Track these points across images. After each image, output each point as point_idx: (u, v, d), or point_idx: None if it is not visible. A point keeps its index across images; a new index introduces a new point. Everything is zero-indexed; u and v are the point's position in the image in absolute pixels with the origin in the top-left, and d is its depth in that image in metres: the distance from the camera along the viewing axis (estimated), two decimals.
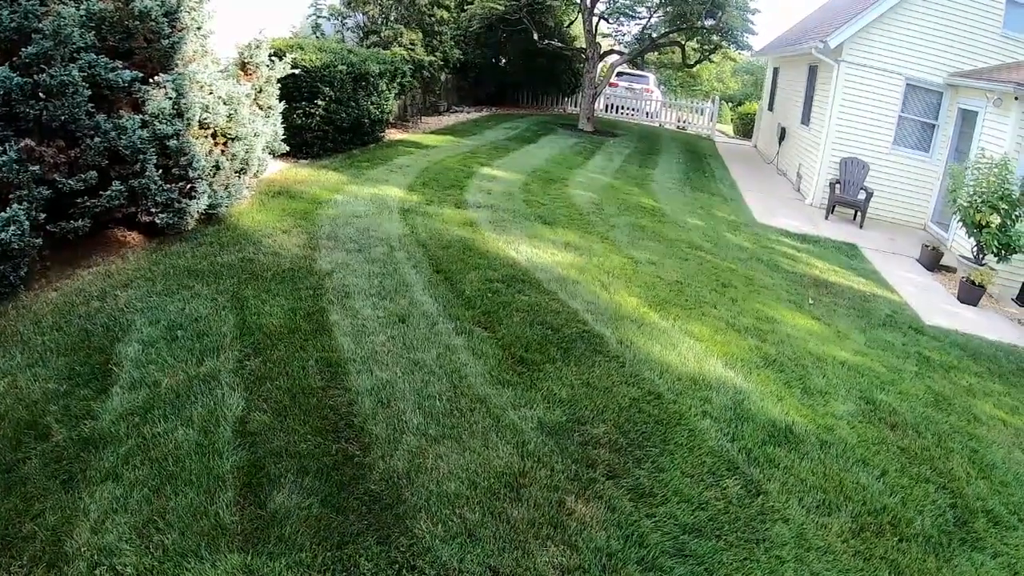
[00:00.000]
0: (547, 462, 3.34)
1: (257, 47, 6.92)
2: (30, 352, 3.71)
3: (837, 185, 10.48)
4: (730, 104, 31.32)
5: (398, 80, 11.28)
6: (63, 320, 4.07)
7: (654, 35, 17.30)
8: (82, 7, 4.64)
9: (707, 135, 20.29)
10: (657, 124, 21.48)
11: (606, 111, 21.20)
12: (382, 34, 12.47)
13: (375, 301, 4.82)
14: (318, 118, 9.02)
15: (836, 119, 10.81)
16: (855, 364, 5.14)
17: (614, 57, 19.20)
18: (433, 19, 13.44)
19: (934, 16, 10.14)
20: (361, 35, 12.76)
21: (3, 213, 4.04)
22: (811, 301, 6.45)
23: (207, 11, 5.75)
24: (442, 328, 4.56)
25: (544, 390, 3.97)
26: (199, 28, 5.66)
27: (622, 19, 18.04)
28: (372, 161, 9.48)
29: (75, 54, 4.55)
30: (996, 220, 7.31)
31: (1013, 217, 7.35)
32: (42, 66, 4.35)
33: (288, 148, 7.68)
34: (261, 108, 6.97)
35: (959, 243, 8.91)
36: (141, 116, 4.98)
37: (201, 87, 5.62)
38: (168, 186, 5.25)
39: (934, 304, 7.19)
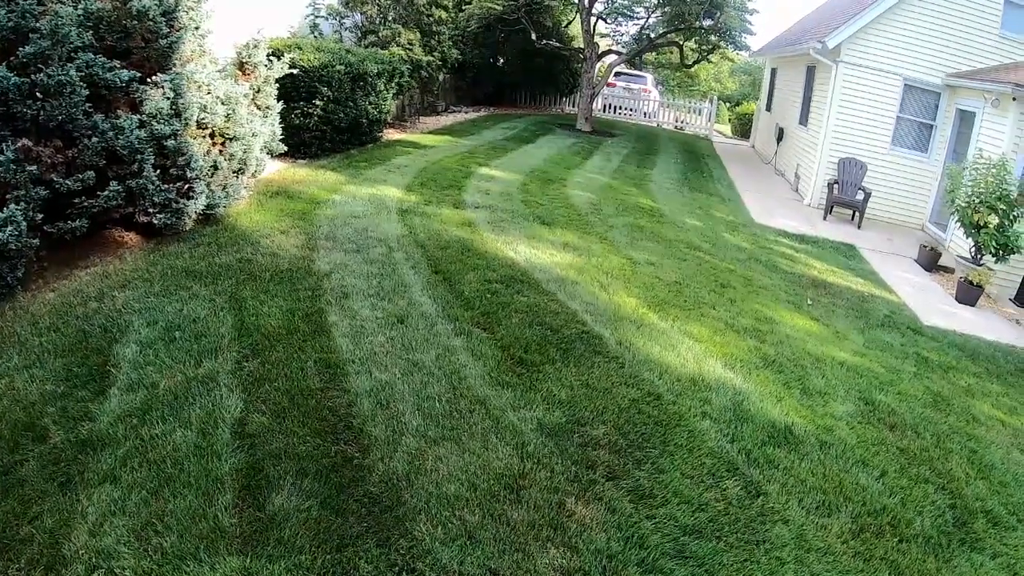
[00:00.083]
0: (547, 463, 3.33)
1: (255, 47, 6.91)
2: (27, 353, 3.69)
3: (835, 185, 10.49)
4: (728, 104, 31.38)
5: (396, 80, 11.27)
6: (60, 321, 4.05)
7: (652, 35, 17.32)
8: (80, 6, 4.62)
9: (705, 135, 20.31)
10: (655, 124, 21.50)
11: (604, 111, 21.23)
12: (380, 34, 12.46)
13: (374, 302, 4.81)
14: (316, 118, 9.00)
15: (834, 119, 10.82)
16: (854, 365, 5.14)
17: (612, 57, 19.19)
18: (431, 19, 13.43)
19: (932, 17, 10.15)
20: (359, 35, 12.75)
21: (0, 213, 4.03)
22: (810, 302, 6.46)
23: (205, 11, 5.73)
24: (441, 329, 4.55)
25: (543, 391, 3.97)
26: (197, 28, 5.64)
27: (620, 19, 18.08)
28: (370, 161, 9.47)
29: (73, 54, 4.53)
30: (994, 220, 7.33)
31: (1011, 217, 7.37)
32: (39, 66, 4.33)
33: (286, 148, 7.66)
34: (259, 108, 6.96)
35: (957, 243, 8.92)
36: (139, 116, 4.96)
37: (199, 87, 5.61)
38: (166, 186, 5.23)
39: (932, 304, 7.20)
